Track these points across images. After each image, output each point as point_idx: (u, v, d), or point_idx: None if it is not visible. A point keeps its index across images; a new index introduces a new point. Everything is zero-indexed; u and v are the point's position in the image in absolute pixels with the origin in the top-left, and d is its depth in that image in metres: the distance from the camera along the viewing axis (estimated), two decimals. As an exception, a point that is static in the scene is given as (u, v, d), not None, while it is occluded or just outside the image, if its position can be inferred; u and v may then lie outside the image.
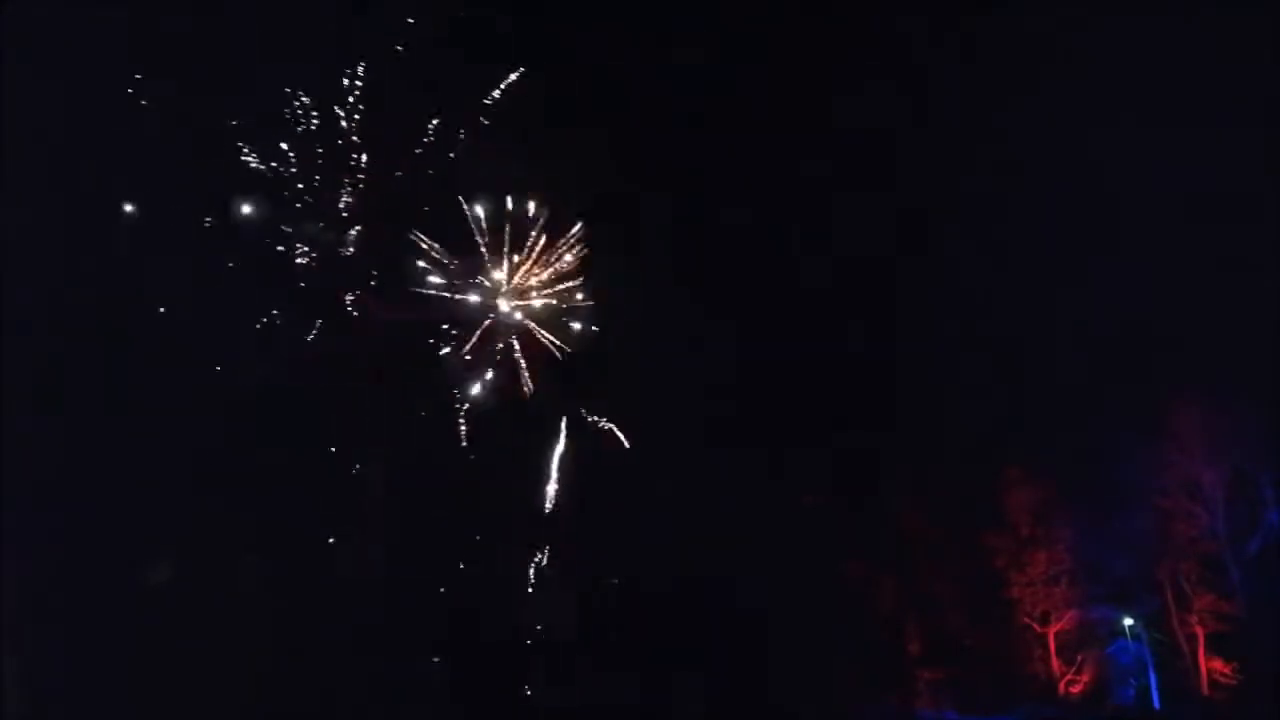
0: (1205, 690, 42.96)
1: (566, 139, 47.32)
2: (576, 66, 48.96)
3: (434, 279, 47.91)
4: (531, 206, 48.45)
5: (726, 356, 50.14)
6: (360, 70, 45.07)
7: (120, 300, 41.93)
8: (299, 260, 46.22)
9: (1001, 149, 48.46)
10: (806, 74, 50.92)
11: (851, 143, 51.12)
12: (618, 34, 49.17)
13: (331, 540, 44.42)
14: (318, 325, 45.96)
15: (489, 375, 48.57)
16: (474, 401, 48.38)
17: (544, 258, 48.96)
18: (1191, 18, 43.87)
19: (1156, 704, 44.41)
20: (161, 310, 42.69)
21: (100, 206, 41.87)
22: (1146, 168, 44.93)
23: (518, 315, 48.85)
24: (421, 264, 47.64)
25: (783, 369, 50.23)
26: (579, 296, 49.44)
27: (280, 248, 45.86)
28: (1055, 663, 46.18)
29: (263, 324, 45.32)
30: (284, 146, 44.91)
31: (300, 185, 45.48)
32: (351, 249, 46.55)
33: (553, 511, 48.80)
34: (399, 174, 46.69)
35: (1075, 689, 45.71)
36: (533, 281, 49.07)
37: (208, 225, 44.03)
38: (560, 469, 49.29)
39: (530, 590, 48.17)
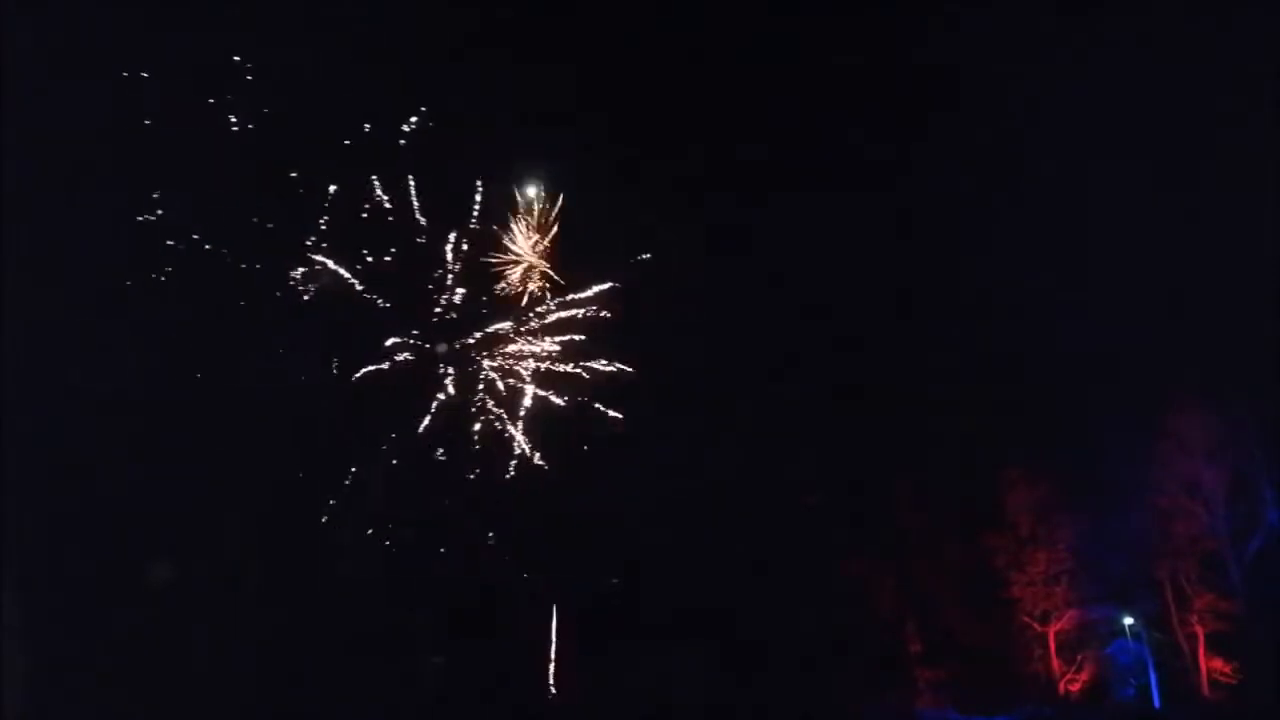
0: (1205, 690, 43.00)
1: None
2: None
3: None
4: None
5: (727, 355, 50.21)
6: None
7: (123, 300, 42.05)
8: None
9: (1002, 150, 48.57)
10: (806, 68, 51.18)
11: (851, 141, 51.31)
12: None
13: (330, 540, 44.47)
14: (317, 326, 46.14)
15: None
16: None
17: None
18: (1194, 24, 43.97)
19: (1156, 704, 44.42)
20: (161, 310, 42.70)
21: (107, 206, 41.96)
22: (1147, 169, 45.09)
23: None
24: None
25: (783, 369, 50.36)
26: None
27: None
28: (1055, 662, 46.22)
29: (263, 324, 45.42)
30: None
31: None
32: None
33: (551, 510, 48.87)
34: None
35: (1075, 688, 45.75)
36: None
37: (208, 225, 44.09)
38: (558, 467, 49.36)
39: (529, 590, 48.29)
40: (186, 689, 37.74)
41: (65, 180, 38.63)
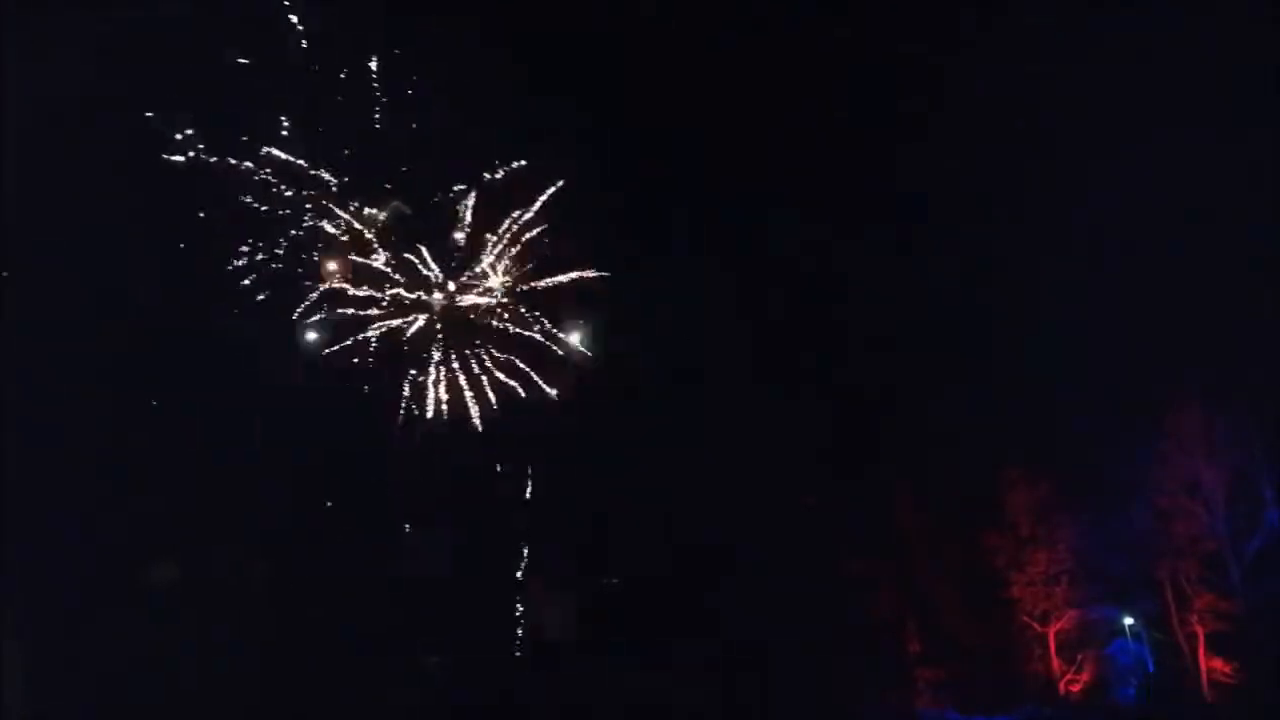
0: (1205, 690, 42.97)
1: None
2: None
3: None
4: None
5: (726, 354, 50.20)
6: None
7: (125, 298, 42.08)
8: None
9: (1002, 149, 48.60)
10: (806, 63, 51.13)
11: (854, 136, 51.24)
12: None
13: (329, 538, 44.52)
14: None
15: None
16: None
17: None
18: (1192, 23, 43.96)
19: (1157, 704, 44.39)
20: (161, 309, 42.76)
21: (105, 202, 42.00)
22: (1147, 170, 45.01)
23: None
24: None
25: (783, 368, 50.34)
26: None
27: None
28: (1055, 662, 46.19)
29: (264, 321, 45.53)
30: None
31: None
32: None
33: (552, 511, 48.92)
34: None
35: (1075, 688, 45.73)
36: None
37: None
38: (559, 468, 49.43)
39: (530, 590, 48.32)
40: (187, 689, 37.76)
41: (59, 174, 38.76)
